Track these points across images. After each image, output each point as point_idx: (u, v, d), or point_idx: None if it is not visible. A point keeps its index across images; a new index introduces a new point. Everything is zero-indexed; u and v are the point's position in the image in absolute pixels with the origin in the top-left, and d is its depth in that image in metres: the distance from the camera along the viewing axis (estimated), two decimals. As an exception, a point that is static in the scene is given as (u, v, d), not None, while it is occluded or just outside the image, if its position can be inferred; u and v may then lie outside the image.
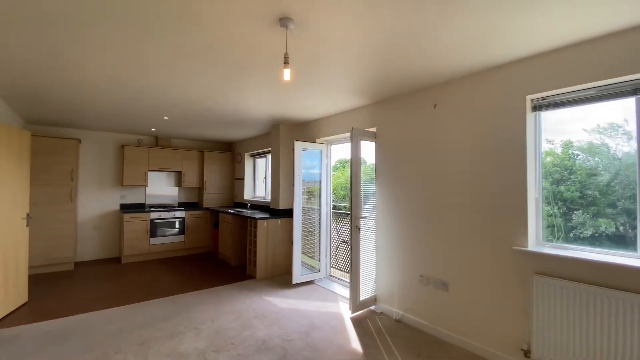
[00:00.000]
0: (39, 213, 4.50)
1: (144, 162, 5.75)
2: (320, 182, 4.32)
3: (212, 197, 6.54)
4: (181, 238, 5.90)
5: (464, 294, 2.66)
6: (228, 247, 5.29)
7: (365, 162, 3.68)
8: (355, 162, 3.18)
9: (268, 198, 5.96)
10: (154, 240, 5.59)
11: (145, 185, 5.87)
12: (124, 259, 5.30)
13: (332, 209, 4.41)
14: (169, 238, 5.77)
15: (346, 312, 3.27)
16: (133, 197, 5.94)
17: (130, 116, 4.31)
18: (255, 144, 6.11)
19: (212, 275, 4.62)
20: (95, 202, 5.57)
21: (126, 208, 5.79)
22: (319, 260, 4.31)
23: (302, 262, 4.14)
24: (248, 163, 6.51)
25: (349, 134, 3.88)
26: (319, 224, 4.31)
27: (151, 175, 6.04)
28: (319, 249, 4.30)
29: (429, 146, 2.94)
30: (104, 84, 2.94)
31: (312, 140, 4.45)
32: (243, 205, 6.26)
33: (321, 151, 4.32)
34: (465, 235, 2.65)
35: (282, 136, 4.80)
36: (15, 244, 3.26)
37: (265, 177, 6.24)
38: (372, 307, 3.37)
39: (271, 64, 2.44)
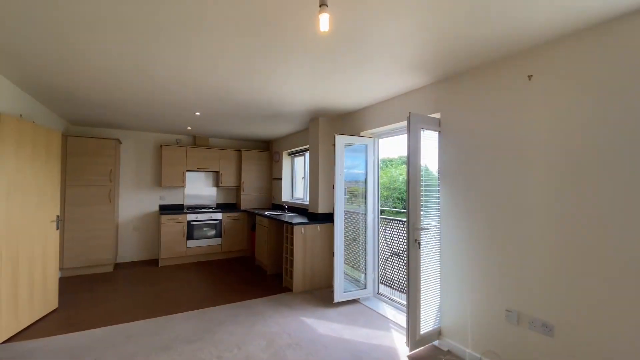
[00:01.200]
0: (77, 214, 4.48)
1: (181, 162, 5.59)
2: (365, 182, 3.67)
3: (249, 198, 6.22)
4: (218, 241, 5.65)
5: (581, 344, 1.83)
6: (264, 253, 4.87)
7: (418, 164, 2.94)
8: (413, 157, 2.48)
9: (306, 200, 5.45)
10: (190, 243, 5.39)
11: (184, 186, 5.71)
12: (161, 262, 5.16)
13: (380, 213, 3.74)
14: (206, 241, 5.54)
15: (401, 347, 2.59)
16: (172, 198, 5.83)
17: (162, 113, 4.06)
18: (293, 141, 5.64)
19: (246, 284, 4.22)
20: (136, 203, 5.52)
21: (165, 209, 5.69)
22: (365, 274, 3.66)
23: (345, 274, 3.52)
24: (286, 162, 6.07)
25: (401, 124, 3.20)
26: (365, 232, 3.66)
27: (189, 176, 5.89)
28: (365, 261, 3.66)
29: (520, 133, 2.15)
30: (128, 75, 2.62)
31: (356, 133, 3.81)
32: (281, 207, 5.83)
33: (367, 146, 3.67)
34: (588, 259, 1.82)
35: (321, 131, 4.24)
36: (43, 248, 3.11)
37: (303, 178, 5.74)
38: (435, 343, 2.64)
39: (304, 25, 1.87)
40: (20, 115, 3.07)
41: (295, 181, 6.03)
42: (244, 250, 5.96)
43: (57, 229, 3.32)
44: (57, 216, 3.32)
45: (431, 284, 2.65)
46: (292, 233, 4.00)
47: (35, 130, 2.98)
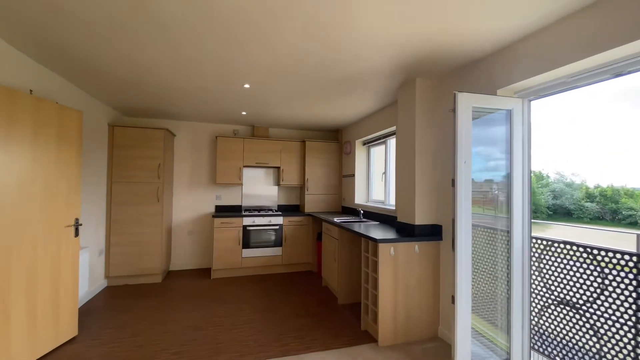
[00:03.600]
0: (123, 215, 3.92)
1: (238, 157, 4.75)
2: (510, 177, 2.14)
3: (314, 199, 5.09)
4: (278, 251, 4.65)
5: None
6: (333, 273, 3.65)
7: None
8: None
9: (389, 203, 4.07)
10: (246, 252, 4.49)
11: (241, 184, 4.89)
12: (213, 274, 4.36)
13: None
14: (264, 250, 4.58)
15: None
16: (229, 198, 5.05)
17: (207, 86, 3.17)
18: (370, 125, 4.31)
19: (308, 317, 3.04)
20: (191, 203, 4.87)
21: (221, 211, 4.94)
22: (509, 334, 2.13)
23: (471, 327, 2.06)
24: (360, 154, 4.77)
25: (597, 61, 1.57)
26: (508, 261, 2.13)
27: (247, 173, 5.05)
28: (508, 312, 2.13)
29: None
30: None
31: (491, 92, 2.30)
32: (354, 211, 4.55)
33: (510, 113, 2.13)
34: None
35: (419, 99, 2.82)
36: (53, 261, 2.40)
37: (384, 173, 4.36)
38: None
39: None
40: (30, 91, 2.42)
41: (373, 178, 4.69)
42: (309, 264, 4.85)
43: (76, 235, 2.62)
44: (77, 219, 2.62)
45: None
46: (375, 254, 2.68)
47: (37, 106, 2.26)
